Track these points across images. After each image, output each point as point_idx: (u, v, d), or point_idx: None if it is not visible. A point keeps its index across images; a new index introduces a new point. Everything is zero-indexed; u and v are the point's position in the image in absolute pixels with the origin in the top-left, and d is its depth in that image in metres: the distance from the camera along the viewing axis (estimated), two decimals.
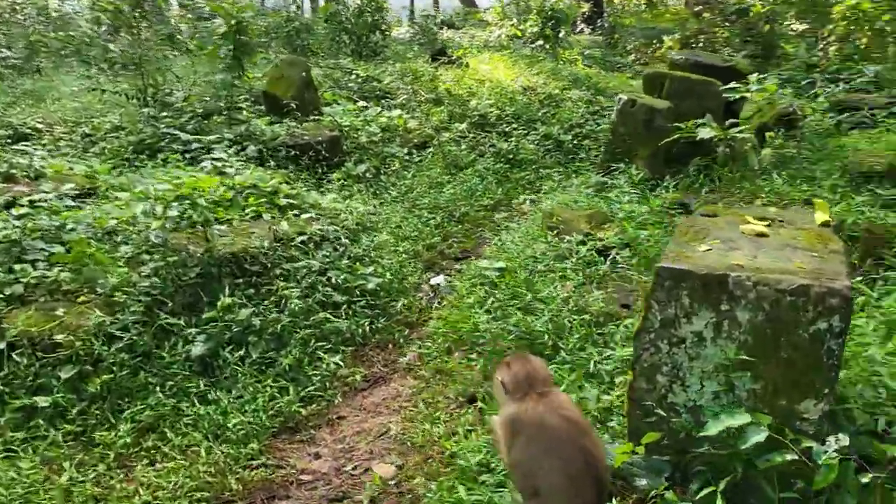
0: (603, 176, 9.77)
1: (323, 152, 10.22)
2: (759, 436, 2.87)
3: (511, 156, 11.68)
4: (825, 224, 3.85)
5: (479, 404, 5.48)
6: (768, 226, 3.82)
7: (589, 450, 3.16)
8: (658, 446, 3.43)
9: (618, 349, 5.35)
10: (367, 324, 6.79)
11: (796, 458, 2.87)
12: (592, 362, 5.22)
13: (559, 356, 5.53)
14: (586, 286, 6.51)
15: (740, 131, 9.06)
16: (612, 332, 5.70)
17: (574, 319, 5.91)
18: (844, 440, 2.91)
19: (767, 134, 9.61)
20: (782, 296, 3.11)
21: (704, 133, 8.97)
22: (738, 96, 10.62)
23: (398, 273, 7.74)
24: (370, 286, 7.13)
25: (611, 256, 6.99)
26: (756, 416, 2.94)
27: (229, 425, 5.26)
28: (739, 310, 3.21)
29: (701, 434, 3.01)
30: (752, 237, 3.69)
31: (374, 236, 8.20)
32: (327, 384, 6.05)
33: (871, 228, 6.67)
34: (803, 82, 13.81)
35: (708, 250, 3.51)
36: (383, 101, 13.65)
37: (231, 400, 5.55)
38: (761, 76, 10.60)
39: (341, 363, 6.28)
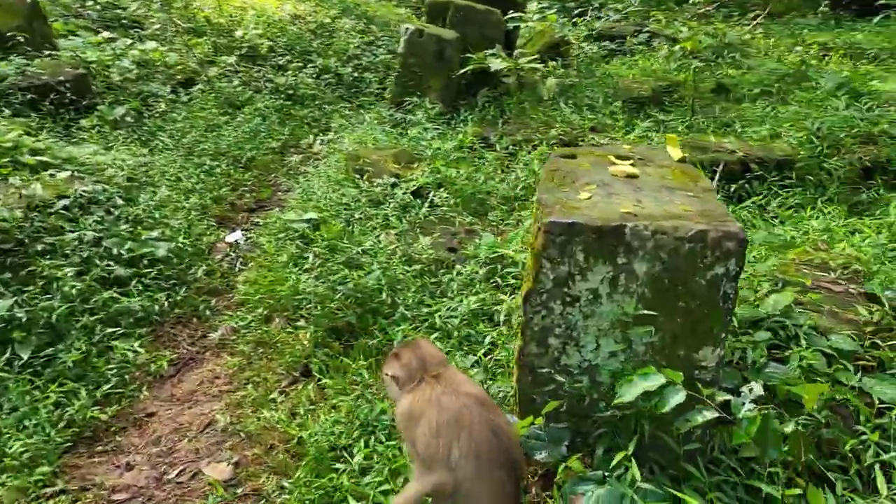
0: (396, 111, 9.33)
1: (68, 94, 8.61)
2: (679, 396, 2.70)
3: (291, 91, 10.79)
4: (682, 160, 3.78)
5: (320, 378, 4.93)
6: (632, 165, 3.65)
7: (498, 426, 2.83)
8: (552, 413, 3.18)
9: (460, 300, 5.06)
10: (163, 298, 5.85)
11: (717, 415, 2.75)
12: (437, 317, 4.86)
13: (398, 313, 5.12)
14: (410, 232, 6.11)
15: (530, 61, 9.05)
16: (448, 280, 5.38)
17: (407, 271, 5.50)
18: (759, 389, 2.85)
19: (550, 64, 9.74)
20: (681, 243, 2.93)
21: (496, 64, 8.83)
22: (513, 26, 10.65)
23: (189, 234, 6.77)
24: (160, 253, 6.13)
25: (428, 198, 6.64)
26: (669, 375, 2.76)
27: (6, 450, 4.23)
28: (637, 262, 2.99)
29: (616, 401, 2.79)
30: (624, 179, 3.50)
31: (153, 193, 7.08)
32: (126, 377, 5.12)
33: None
34: (575, 12, 14.33)
35: (589, 198, 3.24)
36: (131, 31, 11.88)
37: (3, 417, 4.46)
38: (541, 6, 10.72)
39: (139, 349, 5.34)
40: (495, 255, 5.37)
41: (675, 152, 3.79)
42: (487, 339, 4.63)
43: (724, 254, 2.90)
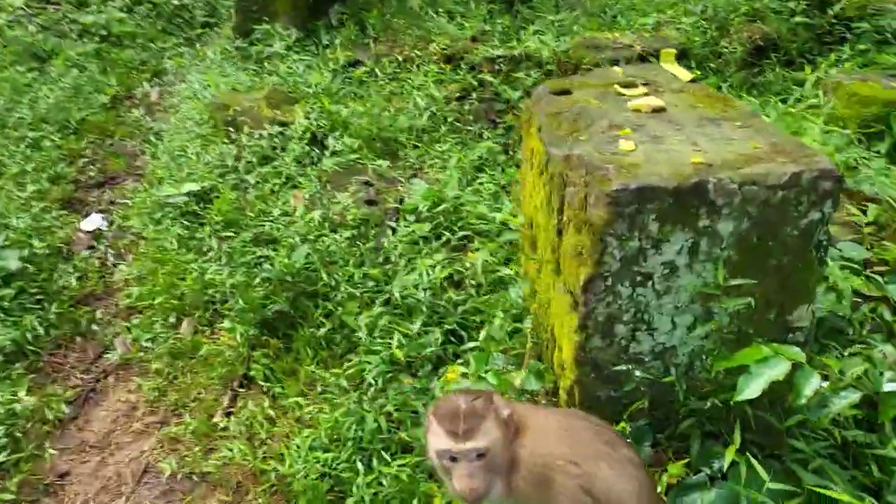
0: (243, 42, 8.06)
1: None
2: (814, 382, 2.25)
3: (104, 32, 9.08)
4: (694, 80, 3.23)
5: (267, 387, 4.12)
6: (648, 94, 3.06)
7: (638, 461, 2.27)
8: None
9: (412, 266, 4.34)
10: (32, 321, 4.66)
11: (859, 396, 2.33)
12: (398, 293, 4.14)
13: (341, 291, 4.33)
14: (322, 190, 5.22)
15: None
16: (389, 244, 4.63)
17: (336, 240, 4.67)
18: (892, 351, 2.47)
19: None
20: (772, 193, 2.43)
21: None
22: None
23: (38, 231, 5.46)
24: (12, 265, 4.87)
25: (327, 145, 5.72)
26: (788, 355, 2.29)
27: None
28: (722, 222, 2.46)
29: (739, 398, 2.29)
30: (651, 114, 2.91)
31: None
32: (17, 434, 4.04)
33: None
34: None
35: (635, 149, 2.63)
36: None
37: None
38: None
39: (21, 394, 4.24)
40: (438, 205, 4.66)
41: (680, 71, 3.24)
42: (462, 310, 3.99)
43: (820, 197, 2.44)
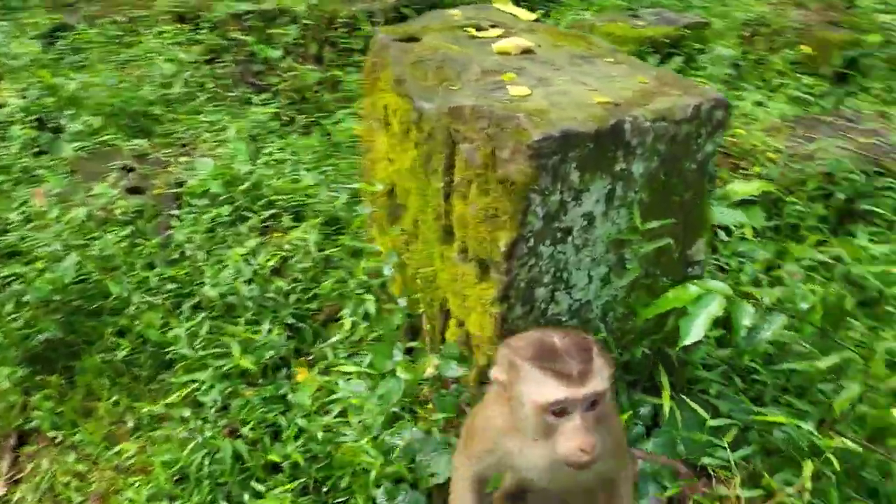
0: None
1: None
2: (749, 312, 2.23)
3: None
4: (538, 20, 3.04)
5: (59, 437, 3.28)
6: (503, 35, 2.82)
7: None
8: None
9: (216, 259, 3.71)
10: None
11: (784, 319, 2.36)
12: (213, 292, 3.51)
13: (132, 304, 3.57)
14: (72, 183, 4.25)
15: None
16: (180, 237, 3.91)
17: (109, 241, 3.83)
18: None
19: None
20: (679, 127, 2.34)
21: None
22: None
23: None
24: None
25: (65, 129, 4.67)
26: (719, 290, 2.25)
27: None
28: (636, 163, 2.33)
29: (685, 342, 2.19)
30: (524, 55, 2.68)
31: None
32: None
33: None
34: None
35: (530, 93, 2.38)
36: None
37: None
38: None
39: None
40: (232, 184, 4.03)
41: (521, 11, 3.04)
42: (295, 299, 3.50)
43: (714, 127, 2.41)
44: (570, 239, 2.34)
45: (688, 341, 2.21)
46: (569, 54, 2.73)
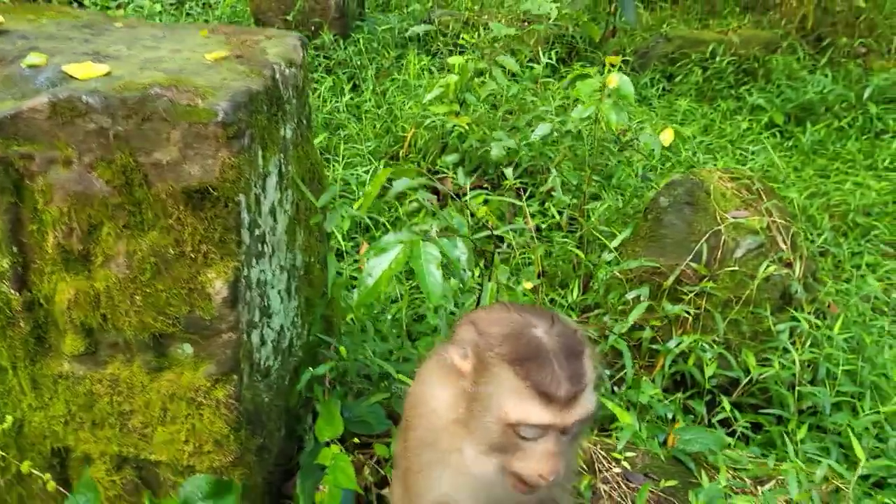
0: None
1: None
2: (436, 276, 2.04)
3: None
4: None
5: None
6: None
7: None
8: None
9: None
10: None
11: None
12: None
13: None
14: None
15: None
16: None
17: None
18: None
19: None
20: (298, 71, 1.90)
21: None
22: None
23: None
24: None
25: None
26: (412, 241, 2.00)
27: None
28: (287, 126, 1.79)
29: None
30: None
31: None
32: None
33: None
34: None
35: (114, 72, 1.51)
36: None
37: None
38: None
39: None
40: None
41: None
42: None
43: (298, 65, 2.09)
44: (265, 248, 1.67)
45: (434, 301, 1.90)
46: (68, 26, 1.81)
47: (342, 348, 1.98)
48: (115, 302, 1.48)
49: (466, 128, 4.34)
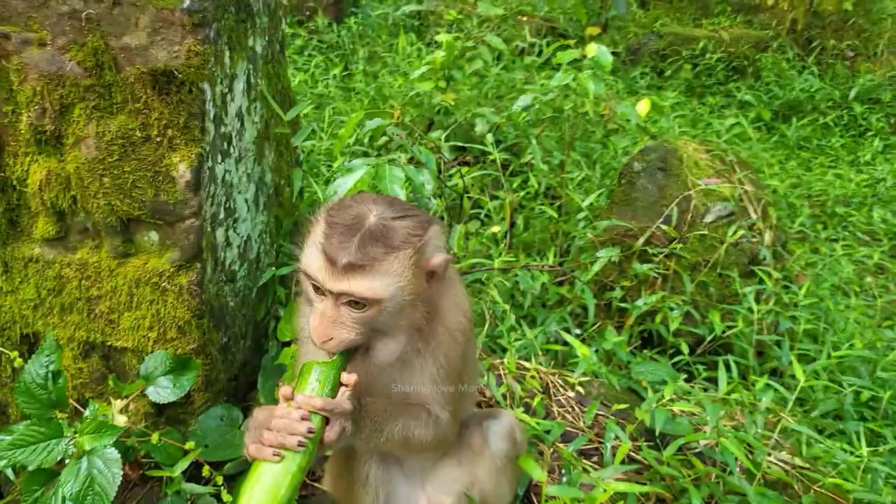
0: None
1: None
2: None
3: None
4: None
5: None
6: None
7: None
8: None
9: None
10: None
11: None
12: None
13: None
14: None
15: None
16: None
17: None
18: None
19: None
20: None
21: None
22: None
23: None
24: None
25: None
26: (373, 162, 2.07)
27: None
28: (258, 39, 1.88)
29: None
30: None
31: None
32: None
33: None
34: None
35: None
36: None
37: None
38: None
39: None
40: None
41: None
42: None
43: None
44: (231, 150, 1.75)
45: None
46: None
47: None
48: (84, 183, 1.56)
49: (453, 104, 4.43)
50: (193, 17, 1.47)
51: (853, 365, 2.87)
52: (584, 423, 2.08)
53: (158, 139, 1.53)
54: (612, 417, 2.07)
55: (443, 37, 4.59)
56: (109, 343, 1.71)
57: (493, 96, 4.79)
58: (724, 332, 2.92)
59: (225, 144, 1.69)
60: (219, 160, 1.67)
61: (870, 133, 6.02)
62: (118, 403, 1.56)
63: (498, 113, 4.43)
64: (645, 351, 3.03)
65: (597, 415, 2.14)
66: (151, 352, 1.68)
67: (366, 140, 3.62)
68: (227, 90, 1.66)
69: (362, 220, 1.29)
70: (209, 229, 1.66)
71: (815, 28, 7.17)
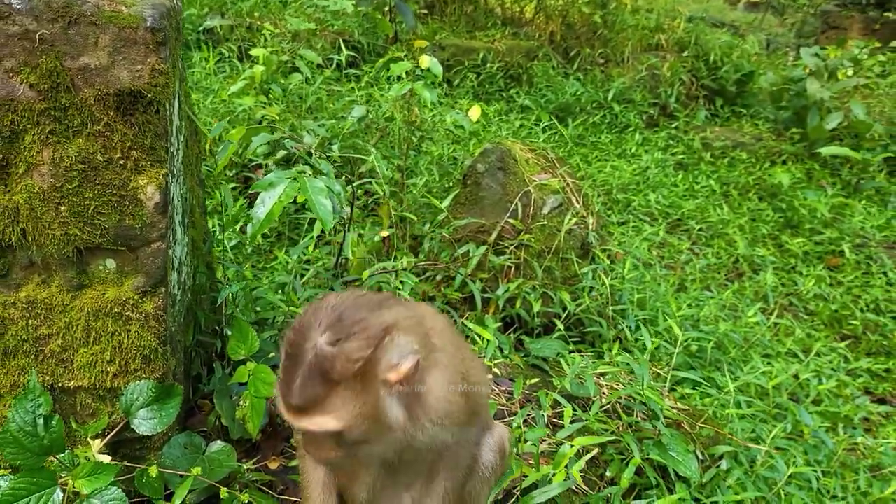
0: None
1: None
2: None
3: None
4: None
5: None
6: None
7: None
8: None
9: None
10: None
11: None
12: None
13: None
14: None
15: None
16: None
17: None
18: None
19: None
20: None
21: None
22: None
23: None
24: None
25: None
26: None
27: None
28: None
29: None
30: None
31: None
32: None
33: None
34: None
35: None
36: None
37: None
38: None
39: None
40: None
41: None
42: None
43: None
44: (174, 168, 1.72)
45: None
46: None
47: (234, 285, 2.04)
48: (37, 214, 1.45)
49: (277, 118, 4.42)
50: (157, 35, 1.45)
51: (681, 324, 3.40)
52: (514, 400, 2.28)
53: (122, 162, 1.47)
54: (532, 392, 2.30)
55: (258, 51, 4.56)
56: (60, 384, 1.59)
57: (308, 109, 4.84)
58: (574, 309, 3.30)
59: (173, 164, 1.66)
60: (171, 179, 1.63)
61: (629, 129, 6.94)
62: (96, 444, 1.47)
63: (323, 126, 4.50)
64: (510, 334, 3.31)
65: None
66: (110, 387, 1.59)
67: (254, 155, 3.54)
68: (172, 110, 1.63)
69: (303, 353, 1.24)
70: (171, 252, 1.62)
71: (571, 38, 8.07)
